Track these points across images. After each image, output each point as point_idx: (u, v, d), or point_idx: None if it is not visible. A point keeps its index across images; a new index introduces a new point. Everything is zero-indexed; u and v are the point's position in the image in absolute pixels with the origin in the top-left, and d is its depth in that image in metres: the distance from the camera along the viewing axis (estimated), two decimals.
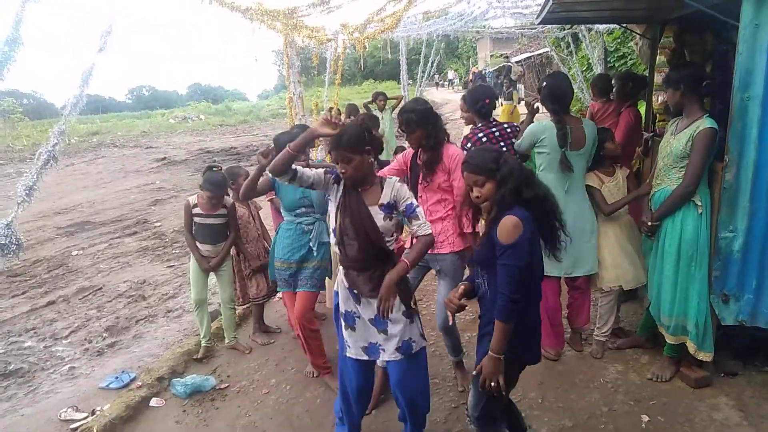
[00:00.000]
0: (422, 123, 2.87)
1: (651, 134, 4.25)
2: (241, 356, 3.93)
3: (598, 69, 9.64)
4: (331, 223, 2.46)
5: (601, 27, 9.20)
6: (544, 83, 3.34)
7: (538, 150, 3.28)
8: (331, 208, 2.45)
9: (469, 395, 2.33)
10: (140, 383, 3.51)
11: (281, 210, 3.42)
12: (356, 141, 2.28)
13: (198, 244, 3.77)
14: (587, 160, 3.30)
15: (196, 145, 17.83)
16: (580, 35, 10.13)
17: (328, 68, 8.19)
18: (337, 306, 2.55)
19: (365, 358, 2.50)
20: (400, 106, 8.05)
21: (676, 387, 3.04)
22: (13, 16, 2.96)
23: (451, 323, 2.75)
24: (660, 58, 4.14)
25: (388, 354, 2.44)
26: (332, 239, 2.47)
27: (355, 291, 2.42)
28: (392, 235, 2.43)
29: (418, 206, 2.40)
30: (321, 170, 2.44)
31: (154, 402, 3.39)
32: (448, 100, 26.55)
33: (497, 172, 2.05)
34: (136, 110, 38.49)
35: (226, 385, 3.54)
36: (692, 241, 2.87)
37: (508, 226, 1.97)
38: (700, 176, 2.83)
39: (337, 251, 2.46)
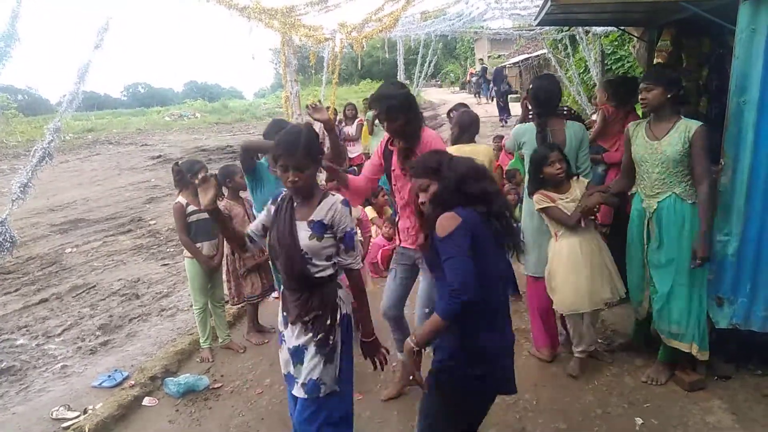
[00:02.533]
0: (405, 109, 2.67)
1: None
2: (235, 356, 3.92)
3: (595, 71, 9.67)
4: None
5: (599, 29, 9.23)
6: (531, 85, 3.42)
7: (522, 152, 3.32)
8: (265, 214, 2.28)
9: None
10: (133, 382, 3.50)
11: (254, 211, 3.29)
12: (313, 148, 2.08)
13: (197, 244, 3.75)
14: (572, 160, 3.25)
15: (191, 143, 17.75)
16: (577, 37, 10.16)
17: (325, 67, 8.19)
18: None
19: (285, 384, 2.32)
20: None
21: (670, 390, 3.05)
22: (9, 12, 2.94)
23: None
24: (657, 61, 4.15)
25: (296, 389, 2.19)
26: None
27: (285, 313, 2.23)
28: (327, 259, 2.14)
29: (356, 237, 2.19)
30: (261, 215, 2.28)
31: (146, 401, 3.37)
32: (445, 100, 26.55)
33: (440, 173, 1.95)
34: (132, 107, 38.24)
35: (220, 384, 3.53)
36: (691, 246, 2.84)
37: (443, 219, 1.85)
38: (711, 174, 2.80)
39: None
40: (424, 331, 1.83)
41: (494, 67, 22.62)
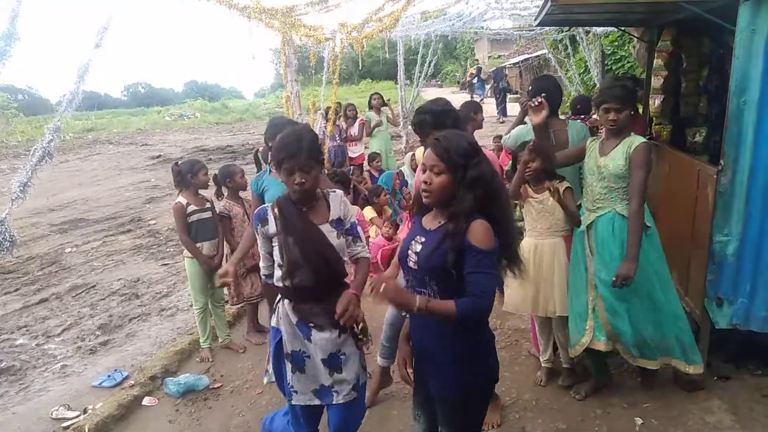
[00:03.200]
0: (438, 125, 2.58)
1: (647, 137, 4.26)
2: (235, 356, 3.92)
3: (595, 72, 9.67)
4: (275, 257, 2.14)
5: (599, 30, 9.23)
6: (531, 86, 3.42)
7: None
8: (262, 242, 2.14)
9: None
10: (133, 382, 3.50)
11: None
12: (315, 148, 2.04)
13: (197, 244, 3.74)
14: None
15: (191, 143, 17.76)
16: (577, 38, 10.16)
17: (325, 67, 8.18)
18: (277, 345, 2.22)
19: (317, 402, 2.19)
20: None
21: (670, 390, 3.05)
22: (9, 11, 2.94)
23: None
24: (657, 62, 4.15)
25: (342, 395, 2.16)
26: (277, 274, 2.15)
27: (311, 324, 2.13)
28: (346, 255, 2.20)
29: (358, 225, 2.28)
30: (260, 248, 2.16)
31: (146, 401, 3.38)
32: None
33: (462, 171, 1.72)
34: (132, 107, 38.25)
35: (220, 384, 3.53)
36: (649, 264, 2.74)
37: (485, 231, 1.70)
38: (645, 193, 2.68)
39: (281, 285, 2.15)
40: (438, 307, 1.66)
41: (494, 67, 22.91)
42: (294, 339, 2.16)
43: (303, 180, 1.99)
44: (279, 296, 2.22)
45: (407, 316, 2.01)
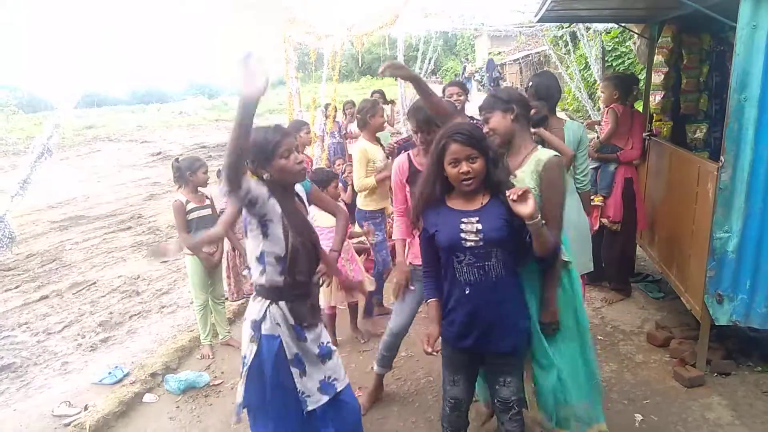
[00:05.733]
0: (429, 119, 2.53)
1: (647, 134, 4.25)
2: (236, 352, 3.90)
3: (595, 68, 9.64)
4: (268, 248, 2.00)
5: (600, 26, 9.20)
6: (530, 82, 3.35)
7: None
8: (254, 234, 2.00)
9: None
10: (133, 379, 3.50)
11: None
12: None
13: None
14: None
15: (191, 140, 17.73)
16: (578, 34, 10.12)
17: (325, 64, 8.17)
18: (276, 355, 2.06)
19: (325, 399, 2.10)
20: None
21: (670, 386, 3.05)
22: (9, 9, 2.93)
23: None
24: (658, 58, 4.14)
25: (341, 382, 2.15)
26: (255, 270, 2.05)
27: (304, 324, 2.07)
28: None
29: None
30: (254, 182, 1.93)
31: (147, 398, 3.38)
32: None
33: (489, 150, 1.94)
34: (132, 104, 38.24)
35: (220, 381, 3.53)
36: (573, 301, 2.27)
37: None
38: (563, 217, 2.19)
39: (280, 284, 2.04)
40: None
41: (489, 58, 23.54)
42: (294, 342, 2.06)
43: (301, 159, 2.00)
44: (266, 301, 2.10)
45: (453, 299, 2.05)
